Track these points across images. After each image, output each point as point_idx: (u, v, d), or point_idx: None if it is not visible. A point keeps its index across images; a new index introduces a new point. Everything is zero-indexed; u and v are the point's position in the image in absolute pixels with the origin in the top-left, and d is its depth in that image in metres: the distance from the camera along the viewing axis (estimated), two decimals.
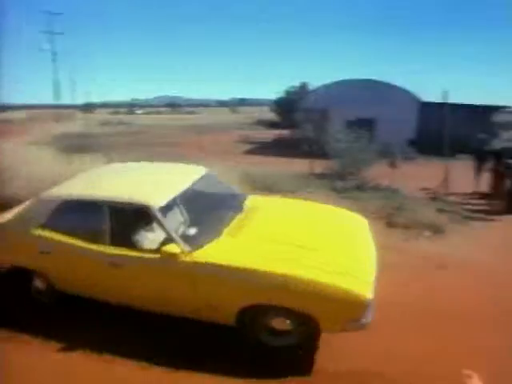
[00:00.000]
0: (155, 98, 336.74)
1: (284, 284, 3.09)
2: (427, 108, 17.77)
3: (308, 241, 3.68)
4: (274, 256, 3.34)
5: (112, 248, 3.64)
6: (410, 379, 3.22)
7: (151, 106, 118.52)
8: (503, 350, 3.57)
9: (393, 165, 10.08)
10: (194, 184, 4.27)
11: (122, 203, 3.72)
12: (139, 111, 77.83)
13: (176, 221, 4.33)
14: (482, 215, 7.97)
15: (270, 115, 40.38)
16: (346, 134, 11.38)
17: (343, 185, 9.98)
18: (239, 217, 4.12)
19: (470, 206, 8.62)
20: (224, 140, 23.48)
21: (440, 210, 7.80)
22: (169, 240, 3.45)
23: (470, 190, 9.85)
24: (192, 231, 3.67)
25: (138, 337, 3.73)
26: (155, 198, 3.66)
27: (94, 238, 3.71)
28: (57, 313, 4.17)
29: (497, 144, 10.90)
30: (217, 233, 3.67)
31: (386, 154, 10.62)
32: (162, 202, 3.66)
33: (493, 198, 8.86)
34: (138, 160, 5.63)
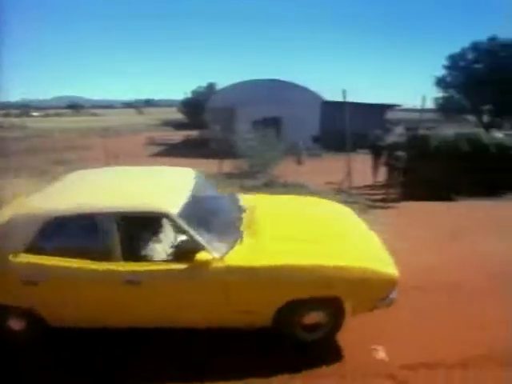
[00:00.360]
0: (53, 98, 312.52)
1: (321, 275, 3.13)
2: (329, 106, 18.79)
3: (318, 233, 3.68)
4: (300, 251, 3.30)
5: (126, 264, 3.16)
6: None
7: (49, 107, 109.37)
8: None
9: (299, 162, 10.45)
10: (195, 187, 3.86)
11: (133, 213, 3.29)
12: (35, 113, 71.49)
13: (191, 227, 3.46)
14: (381, 204, 8.69)
15: (178, 116, 39.77)
16: (253, 133, 11.57)
17: (252, 183, 10.14)
18: (245, 217, 3.91)
19: (370, 197, 9.34)
20: (131, 143, 22.60)
21: (344, 202, 8.28)
22: (193, 247, 3.13)
23: (370, 182, 10.65)
24: (217, 236, 3.35)
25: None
26: (171, 205, 3.27)
27: (103, 255, 3.16)
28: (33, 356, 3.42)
29: (390, 139, 11.87)
30: (238, 235, 3.47)
31: (293, 151, 11.00)
32: (179, 208, 3.27)
33: (388, 188, 9.64)
34: (38, 167, 4.99)
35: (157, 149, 20.72)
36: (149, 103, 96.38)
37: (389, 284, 3.26)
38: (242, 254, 3.20)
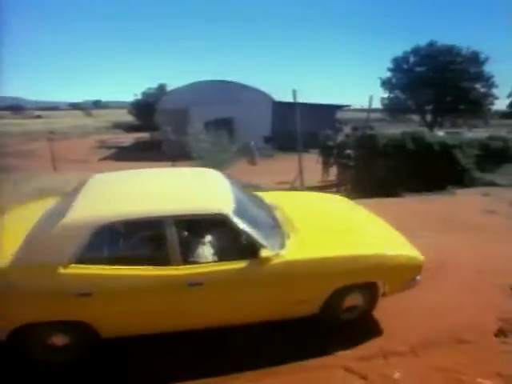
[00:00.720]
0: None
1: (364, 263, 3.43)
2: (280, 107, 19.03)
3: (346, 225, 4.05)
4: (341, 242, 3.60)
5: (187, 267, 3.11)
6: None
7: None
8: None
9: (252, 162, 10.48)
10: (231, 187, 3.82)
11: (191, 215, 3.26)
12: None
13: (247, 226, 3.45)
14: None
15: (129, 118, 38.73)
16: (206, 134, 11.48)
17: None
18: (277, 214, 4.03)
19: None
20: (79, 146, 21.72)
21: None
22: (251, 245, 3.19)
23: (321, 181, 10.88)
24: (268, 233, 3.42)
25: None
26: (226, 205, 3.29)
27: (161, 260, 3.08)
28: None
29: (339, 138, 12.20)
30: (286, 230, 3.61)
31: (245, 152, 11.03)
32: (233, 208, 3.28)
33: (339, 186, 9.89)
34: None
35: (107, 152, 20.08)
36: (97, 105, 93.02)
37: (417, 267, 3.64)
38: (293, 249, 3.35)
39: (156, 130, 24.19)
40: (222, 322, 3.41)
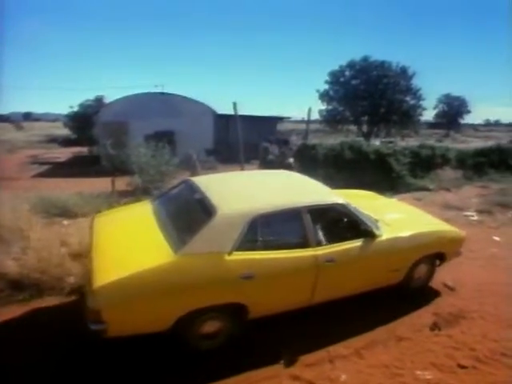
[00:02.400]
0: None
1: (437, 237, 4.50)
2: (222, 119, 19.12)
3: (401, 212, 5.19)
4: (417, 223, 4.73)
5: (322, 248, 3.69)
6: None
7: None
8: None
9: (194, 174, 10.38)
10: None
11: (322, 205, 3.92)
12: None
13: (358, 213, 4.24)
14: None
15: (64, 131, 36.91)
16: (146, 147, 11.22)
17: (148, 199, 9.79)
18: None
19: None
20: (9, 162, 20.30)
21: None
22: (365, 228, 3.94)
23: None
24: (370, 218, 4.16)
25: None
26: (341, 197, 4.08)
27: (302, 243, 3.63)
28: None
29: (280, 149, 12.42)
30: (374, 217, 4.28)
31: (187, 164, 10.92)
32: (345, 199, 4.05)
33: None
34: None
35: (41, 168, 18.99)
36: (28, 117, 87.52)
37: (463, 240, 4.78)
38: (391, 229, 4.20)
39: (95, 144, 23.32)
40: (349, 291, 4.06)
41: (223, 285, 3.28)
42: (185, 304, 3.18)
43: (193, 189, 4.12)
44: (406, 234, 4.20)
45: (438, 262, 4.67)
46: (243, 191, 4.02)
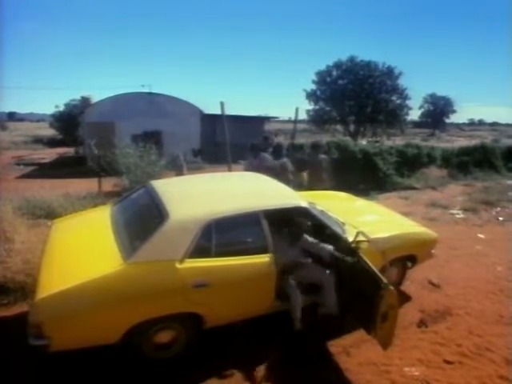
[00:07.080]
0: None
1: (408, 239, 4.37)
2: (210, 119, 19.03)
3: (372, 214, 4.99)
4: (385, 226, 4.43)
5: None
6: None
7: None
8: None
9: (180, 175, 10.32)
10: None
11: (281, 209, 3.73)
12: None
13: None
14: None
15: (50, 131, 36.39)
16: (133, 148, 11.12)
17: None
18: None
19: None
20: None
21: None
22: (327, 232, 3.84)
23: None
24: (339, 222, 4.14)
25: None
26: (302, 200, 3.86)
27: (259, 249, 3.45)
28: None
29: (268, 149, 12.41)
30: (344, 219, 4.25)
31: (174, 165, 10.86)
32: (307, 202, 3.86)
33: None
34: None
35: (26, 169, 18.67)
36: (12, 117, 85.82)
37: (435, 242, 4.68)
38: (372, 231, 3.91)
39: (81, 145, 23.04)
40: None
41: (173, 294, 3.12)
42: (133, 315, 3.03)
43: (151, 193, 3.92)
44: (374, 236, 3.85)
45: (409, 265, 4.56)
46: (200, 195, 3.84)
